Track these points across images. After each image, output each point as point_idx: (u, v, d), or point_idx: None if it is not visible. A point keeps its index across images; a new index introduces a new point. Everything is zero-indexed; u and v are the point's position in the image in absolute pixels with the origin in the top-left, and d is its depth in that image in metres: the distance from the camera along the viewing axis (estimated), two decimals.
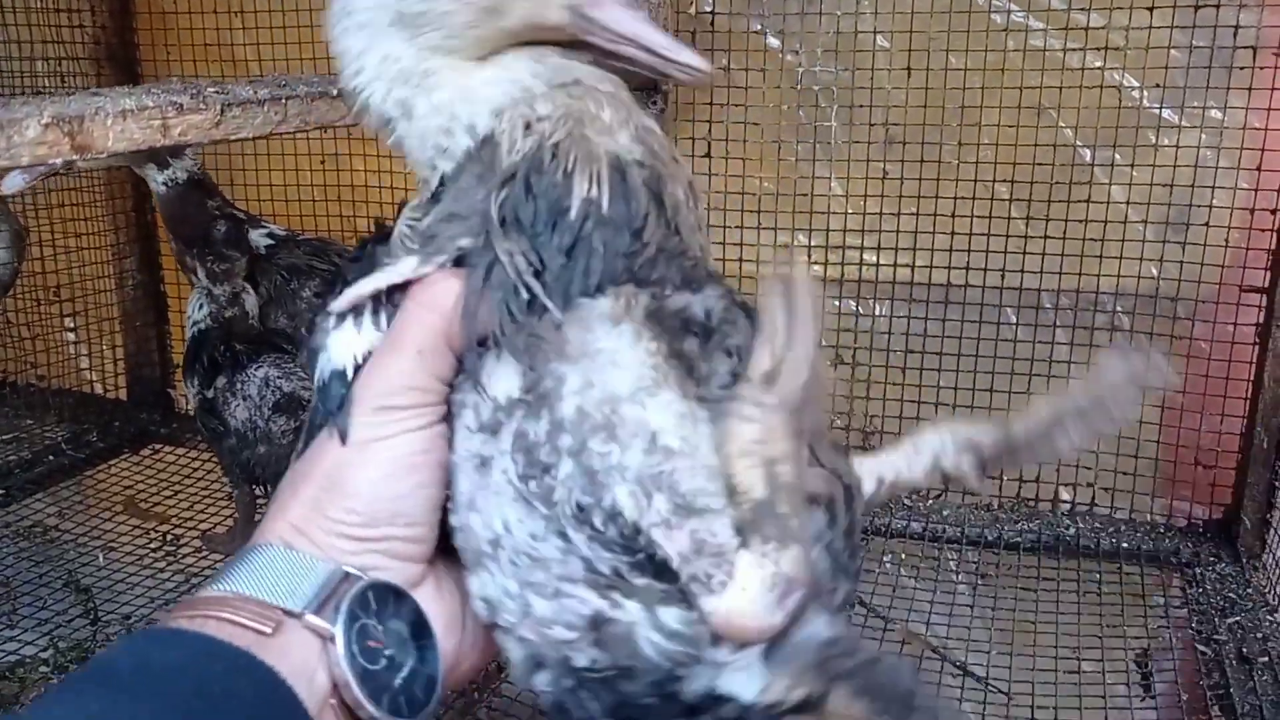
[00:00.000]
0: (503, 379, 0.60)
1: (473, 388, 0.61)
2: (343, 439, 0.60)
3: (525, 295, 0.59)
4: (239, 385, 1.73)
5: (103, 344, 2.32)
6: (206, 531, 1.90)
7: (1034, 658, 1.50)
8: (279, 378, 1.73)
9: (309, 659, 0.54)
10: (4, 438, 2.15)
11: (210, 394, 1.75)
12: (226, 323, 1.78)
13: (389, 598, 0.58)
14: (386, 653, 0.56)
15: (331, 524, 0.59)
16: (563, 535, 0.57)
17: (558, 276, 0.60)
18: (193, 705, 0.49)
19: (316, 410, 0.65)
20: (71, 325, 2.31)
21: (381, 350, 0.62)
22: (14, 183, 1.70)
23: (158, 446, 2.21)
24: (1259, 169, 1.64)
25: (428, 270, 0.62)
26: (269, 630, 0.54)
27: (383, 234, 0.67)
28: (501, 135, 0.63)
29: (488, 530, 0.59)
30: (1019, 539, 1.77)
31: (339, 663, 0.54)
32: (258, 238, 1.85)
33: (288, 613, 0.55)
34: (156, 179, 1.81)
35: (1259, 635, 1.46)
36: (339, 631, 0.55)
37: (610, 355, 0.58)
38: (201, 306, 1.79)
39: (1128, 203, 1.74)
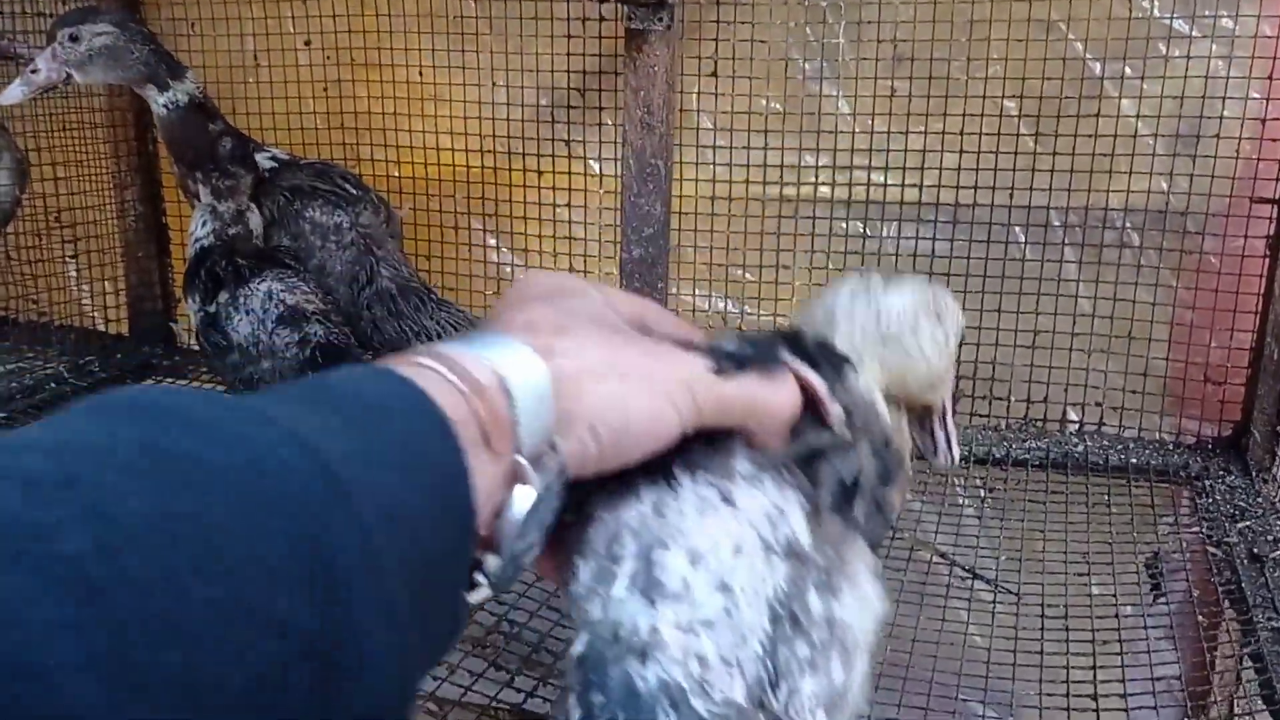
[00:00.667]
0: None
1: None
2: None
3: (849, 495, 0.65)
4: (242, 299, 1.72)
5: (104, 277, 2.31)
6: None
7: (1043, 564, 1.49)
8: (282, 291, 1.71)
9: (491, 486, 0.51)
10: (5, 368, 2.14)
11: (212, 309, 1.73)
12: (230, 240, 1.76)
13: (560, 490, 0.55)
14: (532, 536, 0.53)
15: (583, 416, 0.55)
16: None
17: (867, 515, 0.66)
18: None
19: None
20: (73, 254, 2.29)
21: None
22: (13, 94, 1.69)
23: (160, 378, 2.20)
24: (1270, 78, 1.63)
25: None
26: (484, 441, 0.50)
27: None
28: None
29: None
30: (1027, 456, 1.76)
31: (511, 511, 0.51)
32: (262, 160, 1.84)
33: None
34: (157, 100, 1.79)
35: (1270, 537, 1.45)
36: (534, 489, 0.52)
37: (868, 600, 0.63)
38: (205, 224, 1.78)
39: (1138, 116, 1.73)
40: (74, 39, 1.68)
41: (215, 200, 1.75)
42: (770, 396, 0.62)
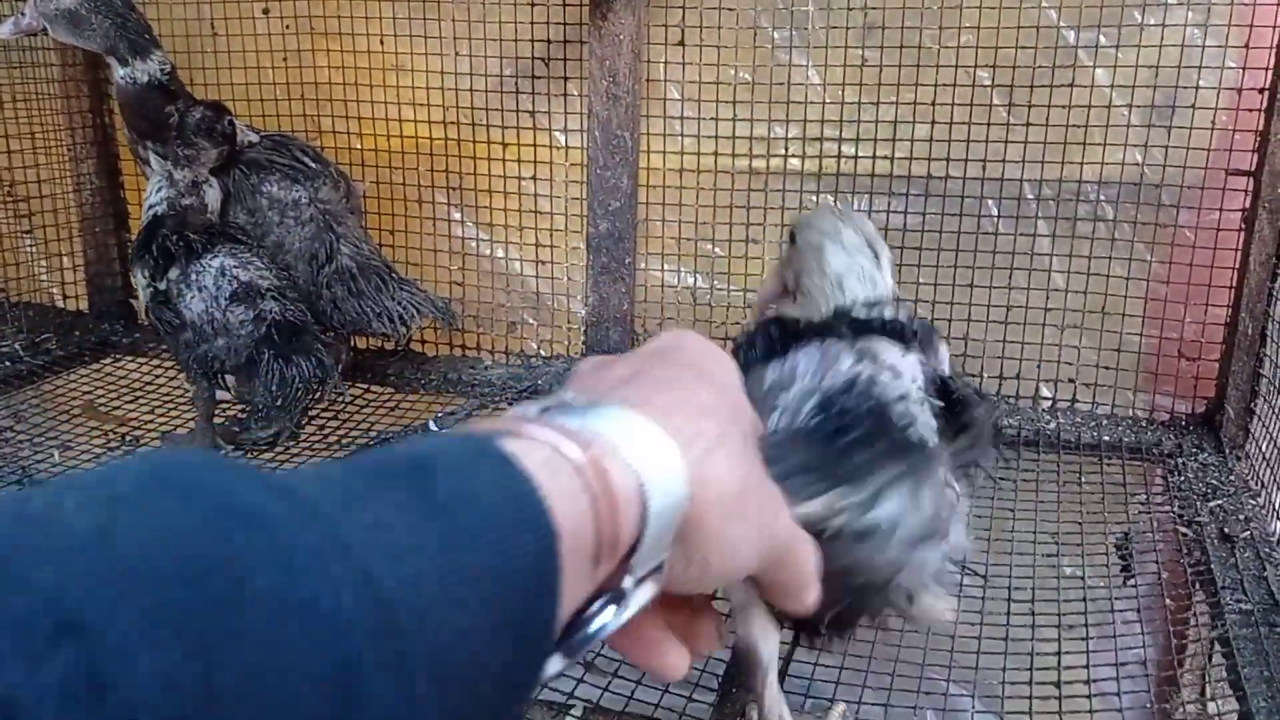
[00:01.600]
0: None
1: None
2: None
3: None
4: (194, 276, 1.67)
5: (61, 253, 2.25)
6: (168, 432, 1.85)
7: (1012, 544, 1.46)
8: (235, 267, 1.67)
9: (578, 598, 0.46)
10: None
11: (163, 286, 1.69)
12: (182, 211, 1.72)
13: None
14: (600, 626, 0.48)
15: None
16: None
17: None
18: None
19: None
20: (28, 228, 2.24)
21: None
22: (4, 30, 1.71)
23: (119, 356, 2.15)
24: (1246, 46, 1.59)
25: None
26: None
27: None
28: None
29: None
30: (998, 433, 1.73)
31: (591, 627, 0.47)
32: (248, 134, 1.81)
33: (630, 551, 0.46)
34: (116, 71, 1.76)
35: (1241, 517, 1.43)
36: (624, 613, 0.47)
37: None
38: (160, 189, 1.73)
39: (1112, 86, 1.69)
40: None
41: (172, 167, 1.70)
42: (808, 559, 0.57)
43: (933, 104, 1.76)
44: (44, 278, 2.32)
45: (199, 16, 2.13)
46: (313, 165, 1.89)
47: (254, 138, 1.84)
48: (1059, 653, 1.22)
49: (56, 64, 2.15)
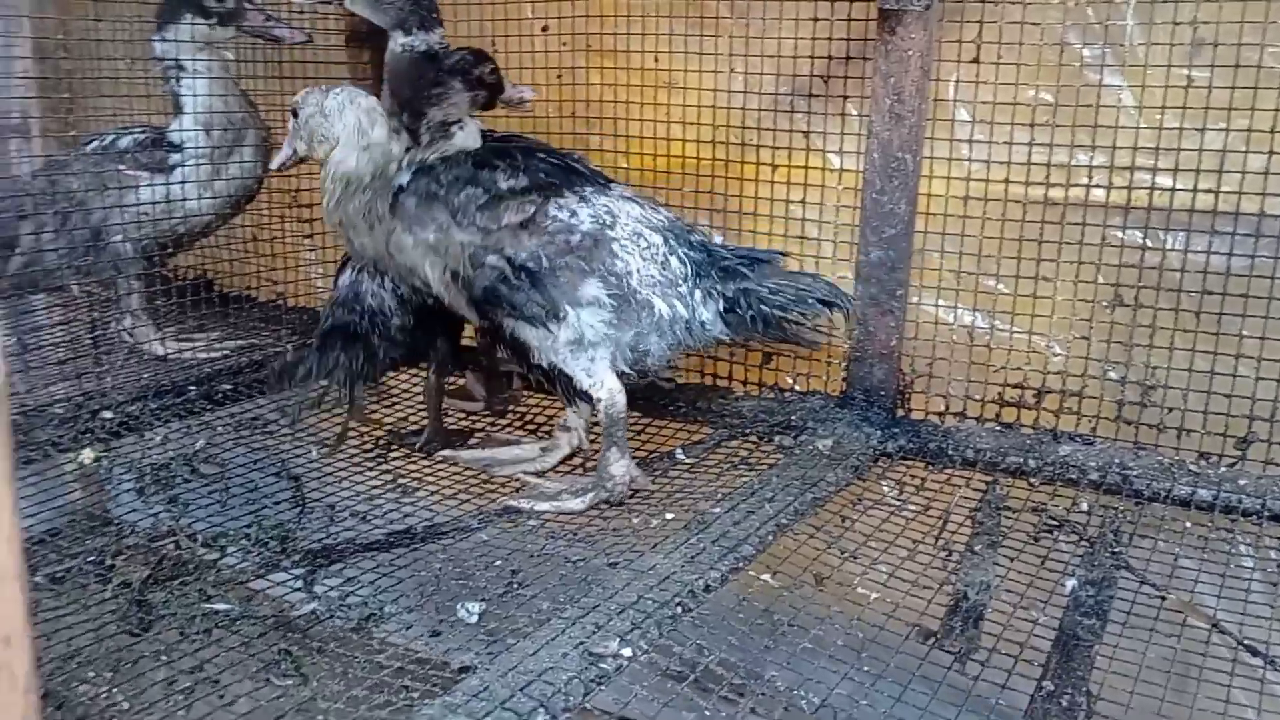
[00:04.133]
0: None
1: None
2: None
3: None
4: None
5: (335, 259, 2.32)
6: (399, 431, 1.87)
7: None
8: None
9: None
10: (238, 344, 2.19)
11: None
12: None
13: None
14: None
15: None
16: None
17: None
18: None
19: None
20: (308, 233, 2.33)
21: None
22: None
23: None
24: None
25: None
26: None
27: None
28: None
29: None
30: None
31: None
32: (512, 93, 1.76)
33: None
34: (397, 41, 1.72)
35: None
36: None
37: None
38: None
39: None
40: None
41: (425, 108, 1.65)
42: None
43: (1271, 131, 1.53)
44: (318, 283, 2.41)
45: (482, 34, 2.16)
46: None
47: (529, 94, 1.79)
48: None
49: (346, 77, 2.23)
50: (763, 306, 1.58)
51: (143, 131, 2.10)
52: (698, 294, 1.58)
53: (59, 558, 1.42)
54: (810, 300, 1.59)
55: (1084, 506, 1.56)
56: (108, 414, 1.78)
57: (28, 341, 2.03)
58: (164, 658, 1.20)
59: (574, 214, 1.56)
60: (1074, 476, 1.62)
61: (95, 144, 2.09)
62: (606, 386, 1.56)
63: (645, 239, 1.57)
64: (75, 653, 1.20)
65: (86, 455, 1.68)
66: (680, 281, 1.57)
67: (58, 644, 1.22)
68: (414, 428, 1.89)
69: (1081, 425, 1.71)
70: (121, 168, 2.03)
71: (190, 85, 2.04)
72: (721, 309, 1.59)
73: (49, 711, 1.11)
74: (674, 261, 1.57)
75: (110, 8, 2.02)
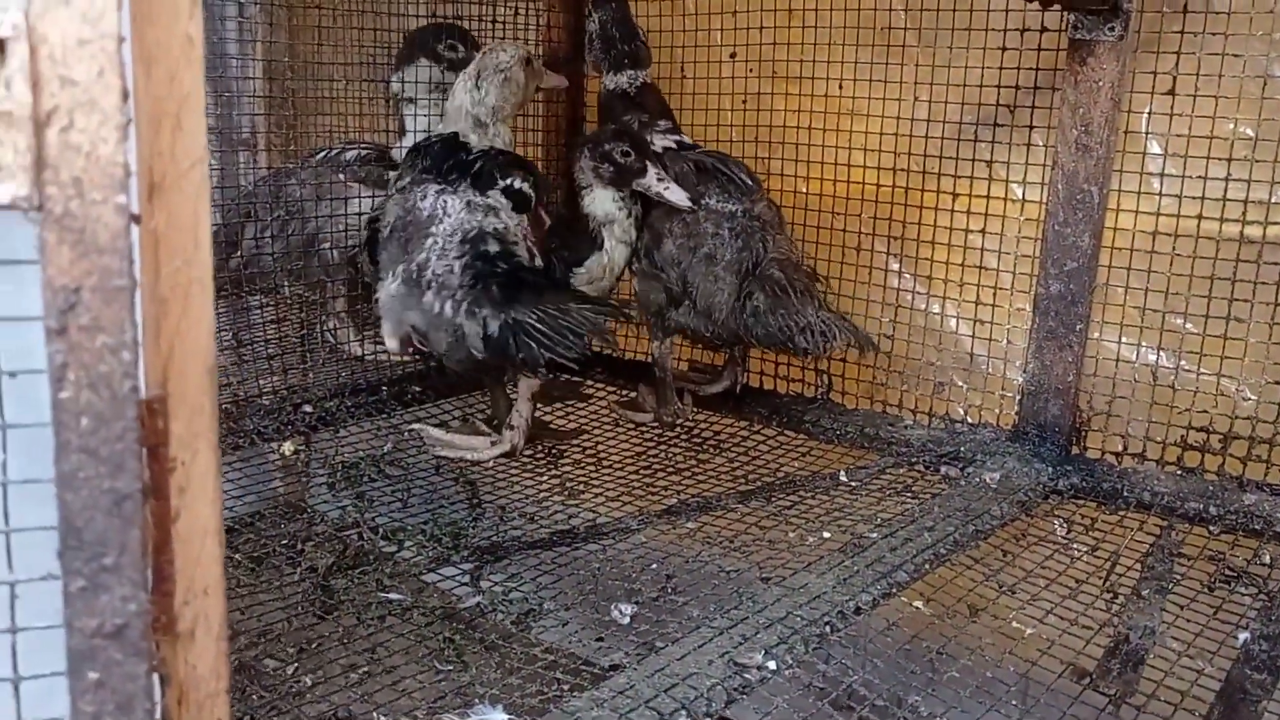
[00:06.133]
0: None
1: None
2: None
3: None
4: None
5: None
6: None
7: None
8: None
9: None
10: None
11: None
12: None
13: None
14: None
15: None
16: None
17: None
18: None
19: None
20: None
21: None
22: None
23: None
24: None
25: None
26: None
27: None
28: None
29: None
30: None
31: None
32: (663, 140, 1.99)
33: None
34: (608, 79, 2.06)
35: None
36: None
37: None
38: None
39: None
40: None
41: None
42: None
43: None
44: None
45: (672, 60, 2.23)
46: (749, 182, 1.93)
47: (680, 142, 2.00)
48: None
49: (539, 99, 2.34)
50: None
51: (368, 148, 2.24)
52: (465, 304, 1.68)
53: (259, 539, 1.56)
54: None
55: (1266, 559, 1.49)
56: (308, 408, 1.93)
57: (243, 337, 2.21)
58: (343, 640, 1.30)
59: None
60: (1258, 527, 1.54)
61: (322, 155, 2.25)
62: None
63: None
64: (267, 629, 1.32)
65: (287, 447, 1.83)
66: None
67: (251, 619, 1.33)
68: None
69: (1271, 475, 1.63)
70: (341, 178, 2.18)
71: (413, 112, 2.17)
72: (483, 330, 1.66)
73: (244, 683, 1.22)
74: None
75: (332, 33, 2.19)
